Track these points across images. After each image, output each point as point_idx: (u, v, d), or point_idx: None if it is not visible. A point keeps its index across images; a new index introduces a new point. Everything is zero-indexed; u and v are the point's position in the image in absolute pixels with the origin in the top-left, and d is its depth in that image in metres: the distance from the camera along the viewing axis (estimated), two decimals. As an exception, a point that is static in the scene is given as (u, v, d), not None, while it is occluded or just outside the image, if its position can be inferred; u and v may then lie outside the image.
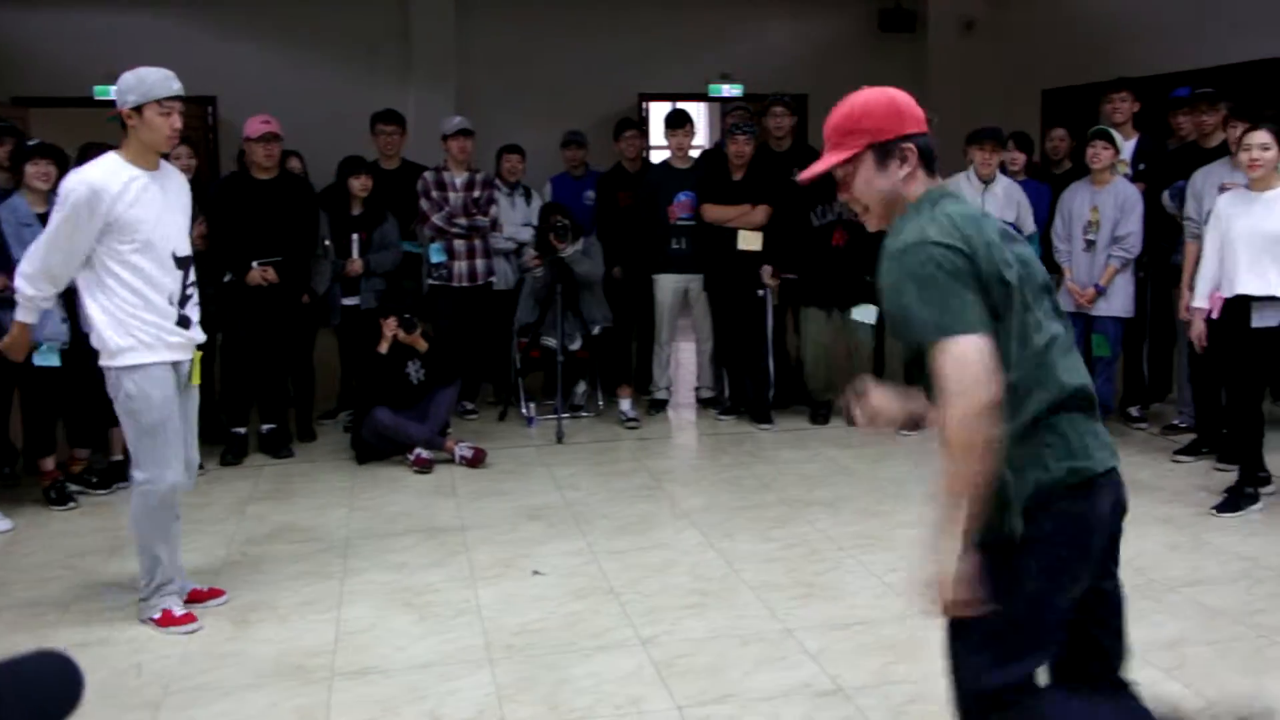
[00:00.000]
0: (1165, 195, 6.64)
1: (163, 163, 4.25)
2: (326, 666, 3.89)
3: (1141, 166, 6.99)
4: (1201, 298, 5.60)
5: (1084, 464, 2.41)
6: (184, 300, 4.22)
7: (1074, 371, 2.46)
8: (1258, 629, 4.08)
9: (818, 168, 2.62)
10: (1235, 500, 5.46)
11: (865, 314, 7.18)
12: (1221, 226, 5.46)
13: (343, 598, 4.52)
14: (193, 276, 4.29)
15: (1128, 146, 6.93)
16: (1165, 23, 10.40)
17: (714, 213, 7.27)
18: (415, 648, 4.04)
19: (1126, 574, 4.65)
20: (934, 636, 4.01)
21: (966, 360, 2.27)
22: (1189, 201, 6.25)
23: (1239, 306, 5.41)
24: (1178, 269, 6.37)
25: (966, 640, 2.51)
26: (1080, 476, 2.40)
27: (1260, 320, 5.35)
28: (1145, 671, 3.73)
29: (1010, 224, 6.62)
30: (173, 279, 4.16)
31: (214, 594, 4.46)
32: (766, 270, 7.19)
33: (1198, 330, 5.63)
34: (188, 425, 4.33)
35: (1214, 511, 5.40)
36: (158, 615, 4.20)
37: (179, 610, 4.23)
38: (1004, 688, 2.46)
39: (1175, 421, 6.91)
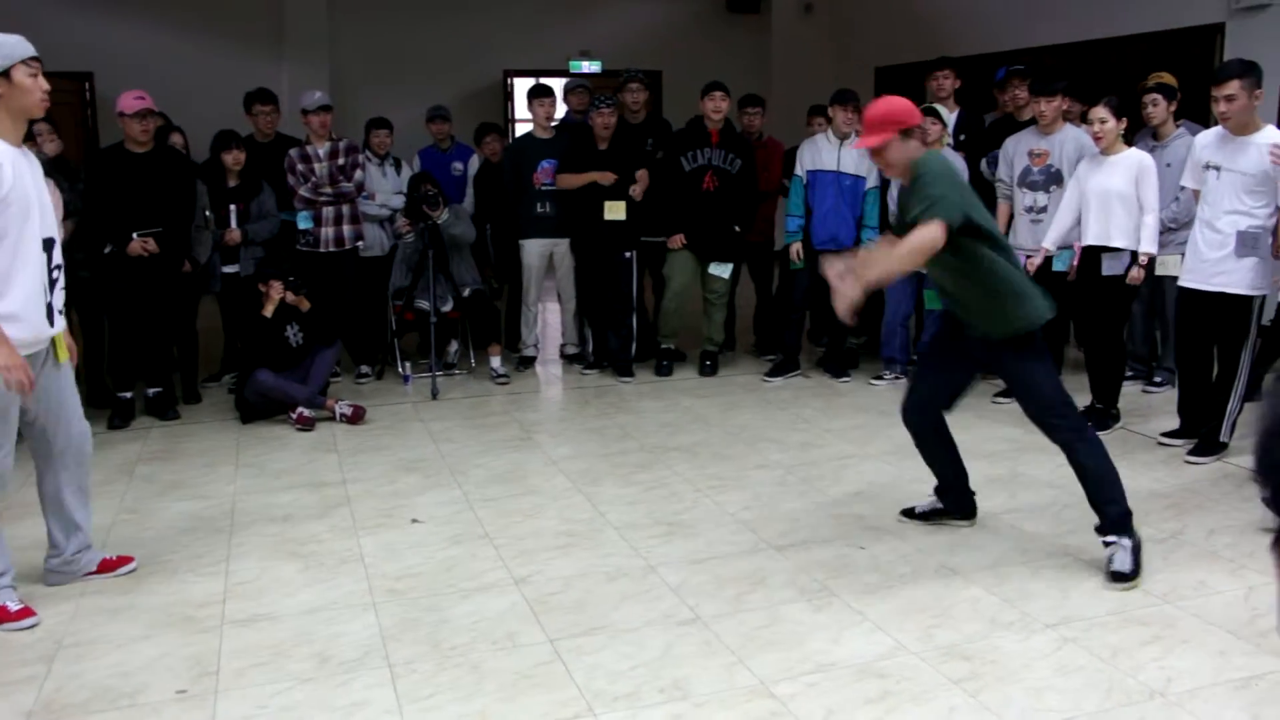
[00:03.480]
0: (984, 163, 6.81)
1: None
2: (216, 616, 3.81)
3: (962, 138, 7.15)
4: (1050, 243, 5.95)
5: None
6: (50, 285, 3.76)
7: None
8: (1065, 549, 4.26)
9: (869, 142, 3.85)
10: (1103, 421, 5.85)
11: (721, 269, 7.26)
12: (1080, 185, 5.79)
13: (231, 550, 4.42)
14: (58, 259, 3.81)
15: (950, 119, 7.08)
16: (982, 8, 10.65)
17: (566, 180, 7.24)
18: (302, 594, 3.98)
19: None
20: (779, 566, 4.11)
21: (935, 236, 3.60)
22: (1001, 165, 6.46)
23: (1091, 257, 5.75)
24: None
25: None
26: None
27: (1109, 269, 5.70)
28: (970, 590, 3.90)
29: (861, 176, 6.87)
30: (41, 264, 3.69)
31: (123, 561, 4.19)
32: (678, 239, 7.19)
33: (1033, 265, 5.86)
34: (59, 403, 3.88)
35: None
36: None
37: (14, 606, 3.76)
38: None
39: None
